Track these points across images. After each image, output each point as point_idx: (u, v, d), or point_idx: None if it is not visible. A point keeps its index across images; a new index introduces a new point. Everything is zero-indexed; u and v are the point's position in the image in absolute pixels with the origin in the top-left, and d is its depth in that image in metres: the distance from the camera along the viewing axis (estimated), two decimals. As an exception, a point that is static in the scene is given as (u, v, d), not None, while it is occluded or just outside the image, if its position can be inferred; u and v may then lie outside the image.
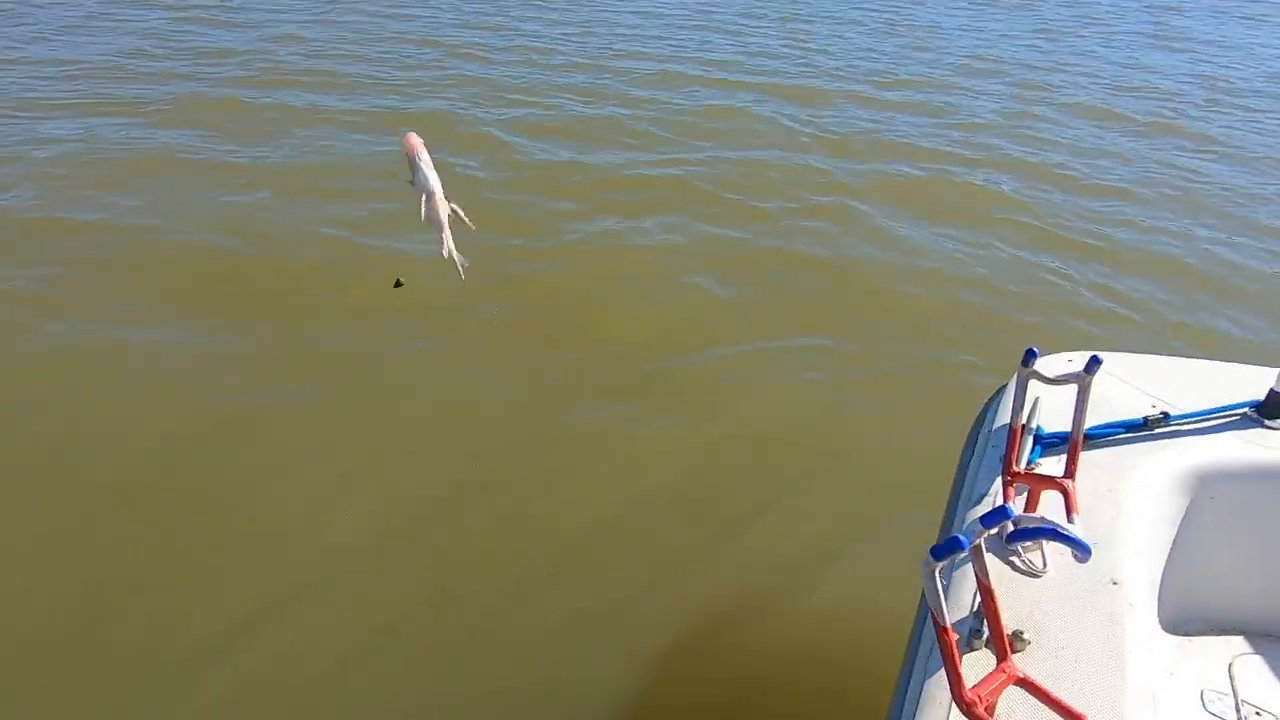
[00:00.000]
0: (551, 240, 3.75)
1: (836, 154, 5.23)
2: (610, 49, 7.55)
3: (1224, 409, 1.21)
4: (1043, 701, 0.67)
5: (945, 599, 0.65)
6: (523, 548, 2.10)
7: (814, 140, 5.44)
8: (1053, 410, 1.22)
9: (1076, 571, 0.91)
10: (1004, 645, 0.69)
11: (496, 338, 2.98)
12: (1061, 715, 0.65)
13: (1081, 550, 0.80)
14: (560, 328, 3.10)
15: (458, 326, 3.00)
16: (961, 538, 0.61)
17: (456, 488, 2.27)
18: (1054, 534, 0.84)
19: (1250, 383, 1.26)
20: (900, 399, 2.70)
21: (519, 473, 2.35)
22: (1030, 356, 0.95)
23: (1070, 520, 0.90)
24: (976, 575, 0.69)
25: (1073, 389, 1.01)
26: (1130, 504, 1.04)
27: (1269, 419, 1.19)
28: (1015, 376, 1.00)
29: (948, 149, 5.41)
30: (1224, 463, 1.14)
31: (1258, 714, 0.99)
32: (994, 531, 0.68)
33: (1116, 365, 1.37)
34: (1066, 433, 1.14)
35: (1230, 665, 1.07)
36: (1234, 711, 1.00)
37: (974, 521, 0.65)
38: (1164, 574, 1.12)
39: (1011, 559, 0.94)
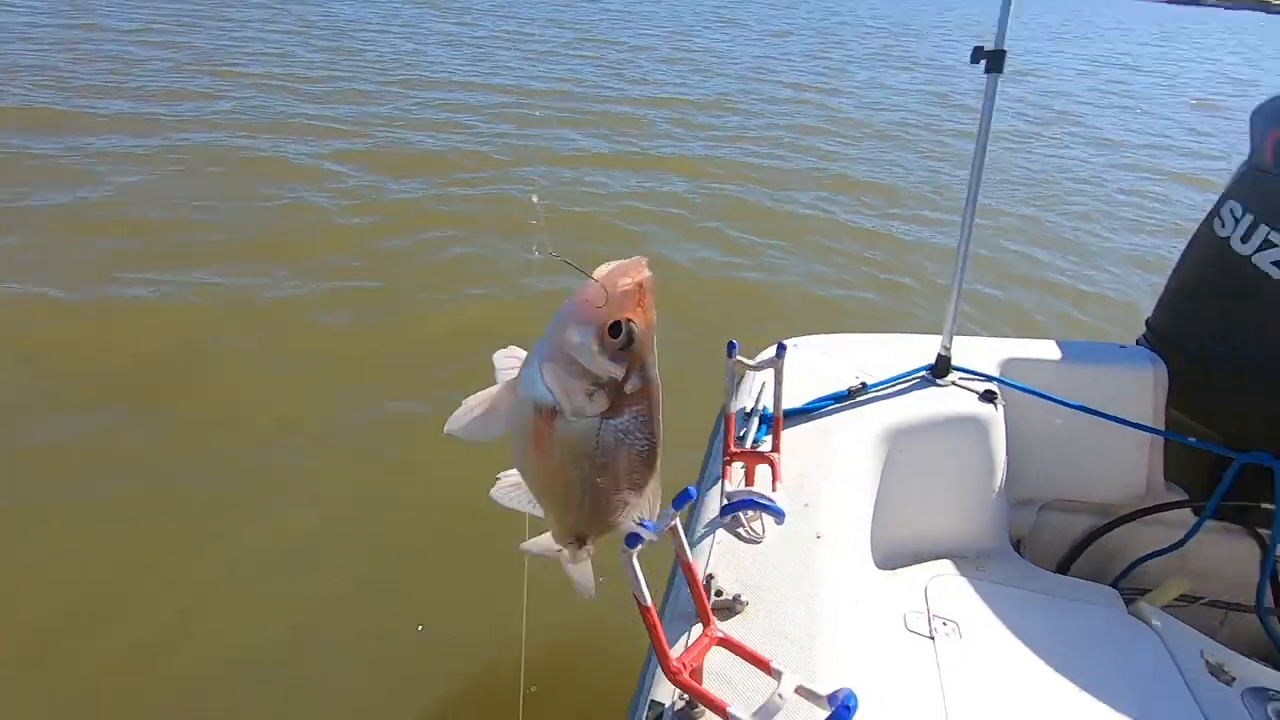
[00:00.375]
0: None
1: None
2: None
3: (908, 374, 1.44)
4: (740, 656, 0.76)
5: (643, 580, 0.71)
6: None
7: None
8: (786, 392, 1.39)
9: (787, 533, 1.04)
10: (705, 612, 0.78)
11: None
12: (754, 664, 0.74)
13: (776, 515, 0.92)
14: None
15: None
16: (649, 524, 0.67)
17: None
18: (753, 504, 0.95)
19: (929, 349, 1.52)
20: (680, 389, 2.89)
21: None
22: (731, 348, 1.07)
23: (774, 489, 1.02)
24: (676, 553, 0.76)
25: (808, 371, 1.16)
26: (834, 465, 1.21)
27: (939, 378, 1.45)
28: (727, 367, 1.12)
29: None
30: (907, 419, 1.36)
31: (944, 624, 1.20)
32: (683, 512, 0.75)
33: (830, 345, 1.59)
34: (786, 410, 1.30)
35: (925, 588, 1.28)
36: (927, 625, 1.19)
37: (668, 507, 0.71)
38: (872, 521, 1.32)
39: (738, 530, 1.05)
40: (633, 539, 0.68)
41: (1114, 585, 1.48)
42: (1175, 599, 1.47)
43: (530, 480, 0.67)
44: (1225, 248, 1.57)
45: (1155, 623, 1.24)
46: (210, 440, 2.53)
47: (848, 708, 0.65)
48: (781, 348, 1.08)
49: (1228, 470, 1.45)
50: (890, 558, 1.35)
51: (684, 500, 0.73)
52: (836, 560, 1.04)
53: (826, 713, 0.66)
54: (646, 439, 0.61)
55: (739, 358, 1.07)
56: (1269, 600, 1.40)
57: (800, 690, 0.69)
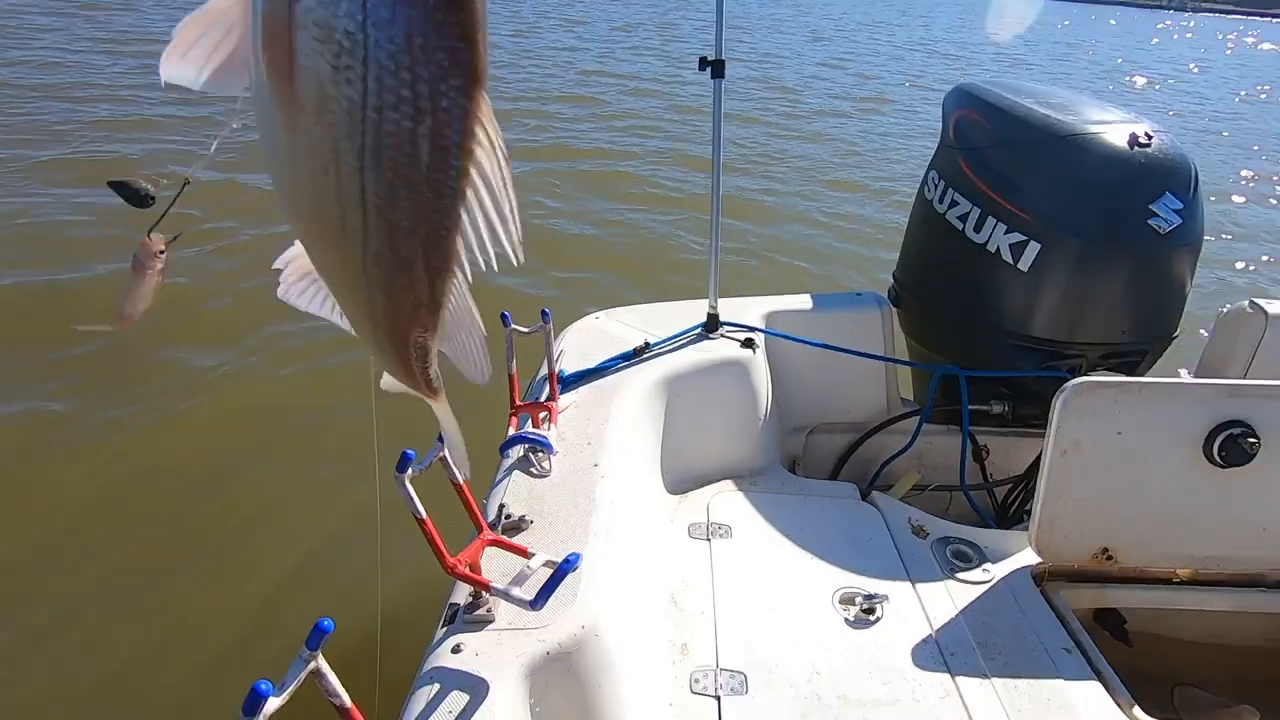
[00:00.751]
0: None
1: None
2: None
3: (684, 332, 1.71)
4: (508, 550, 0.97)
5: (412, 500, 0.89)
6: None
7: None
8: (579, 355, 1.61)
9: (571, 466, 1.27)
10: (477, 520, 0.97)
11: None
12: (518, 554, 0.95)
13: (545, 447, 1.13)
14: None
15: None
16: (410, 453, 0.86)
17: None
18: (523, 439, 1.16)
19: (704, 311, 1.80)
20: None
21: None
22: (505, 319, 1.27)
23: (548, 429, 1.24)
24: (449, 479, 0.95)
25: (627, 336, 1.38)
26: (618, 411, 1.44)
27: (710, 333, 1.73)
28: (505, 335, 1.31)
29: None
30: (684, 368, 1.63)
31: (719, 528, 1.48)
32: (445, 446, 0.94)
33: (626, 315, 1.84)
34: (581, 371, 1.54)
35: (708, 504, 1.55)
36: (705, 531, 1.46)
37: (436, 444, 0.90)
38: (662, 454, 1.58)
39: (529, 470, 1.26)
40: (402, 464, 0.86)
41: (870, 486, 1.84)
42: (911, 489, 1.86)
43: (288, 210, 0.41)
44: (931, 208, 1.97)
45: (880, 505, 1.58)
46: None
47: (569, 562, 0.87)
48: (545, 314, 1.30)
49: (932, 382, 1.85)
50: (681, 483, 1.62)
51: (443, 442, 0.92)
52: (615, 484, 1.28)
53: (550, 572, 0.88)
54: (458, 96, 0.35)
55: (514, 326, 1.28)
56: (968, 479, 1.80)
57: (547, 563, 0.91)
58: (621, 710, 1.02)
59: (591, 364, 1.57)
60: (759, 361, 1.72)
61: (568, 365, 1.56)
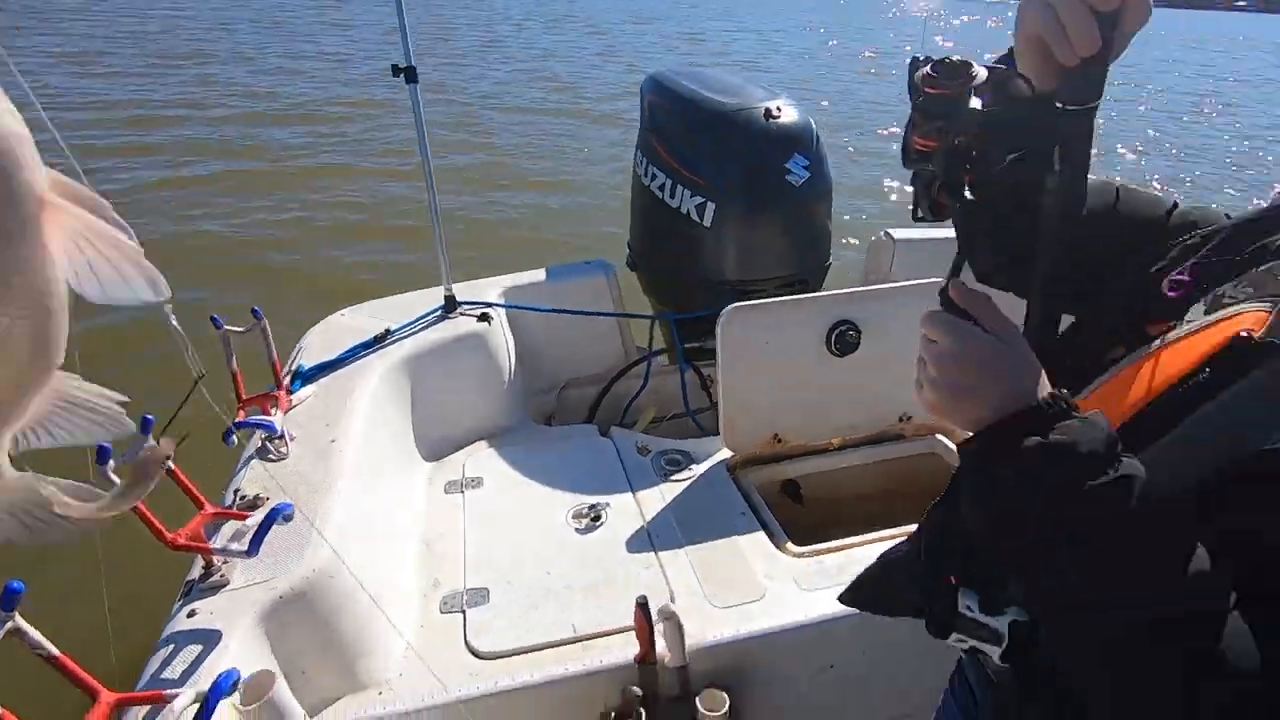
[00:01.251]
0: None
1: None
2: None
3: (424, 315, 1.87)
4: (229, 518, 1.09)
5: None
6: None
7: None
8: (322, 350, 1.71)
9: (310, 446, 1.39)
10: (196, 499, 1.08)
11: None
12: (237, 520, 1.08)
13: (264, 428, 1.26)
14: None
15: None
16: (106, 447, 0.95)
17: None
18: (244, 425, 1.28)
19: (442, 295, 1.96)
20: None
21: None
22: (216, 323, 1.36)
23: (274, 414, 1.36)
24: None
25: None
26: (359, 393, 1.58)
27: (449, 313, 1.91)
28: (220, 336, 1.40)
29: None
30: (424, 347, 1.79)
31: (471, 482, 1.67)
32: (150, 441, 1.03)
33: (369, 308, 1.96)
34: (321, 363, 1.64)
35: (463, 463, 1.74)
36: (460, 487, 1.65)
37: (139, 435, 0.99)
38: (415, 426, 1.74)
39: (268, 456, 1.36)
40: (101, 457, 0.95)
41: (619, 425, 2.12)
42: (651, 421, 2.18)
43: None
44: (640, 183, 2.28)
45: (615, 437, 1.86)
46: None
47: (277, 510, 1.02)
48: (257, 312, 1.41)
49: (658, 329, 2.18)
50: (438, 449, 1.79)
51: (149, 425, 1.01)
52: (356, 456, 1.42)
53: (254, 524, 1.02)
54: None
55: (228, 327, 1.37)
56: (698, 404, 2.15)
57: (264, 520, 1.04)
58: (369, 638, 1.19)
59: (331, 356, 1.68)
60: (497, 332, 1.92)
61: (310, 361, 1.66)
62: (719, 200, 2.04)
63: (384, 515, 1.42)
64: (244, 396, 1.38)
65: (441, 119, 8.69)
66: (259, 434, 1.37)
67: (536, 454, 1.79)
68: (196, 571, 1.09)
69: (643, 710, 1.19)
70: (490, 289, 2.05)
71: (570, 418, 2.20)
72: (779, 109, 2.06)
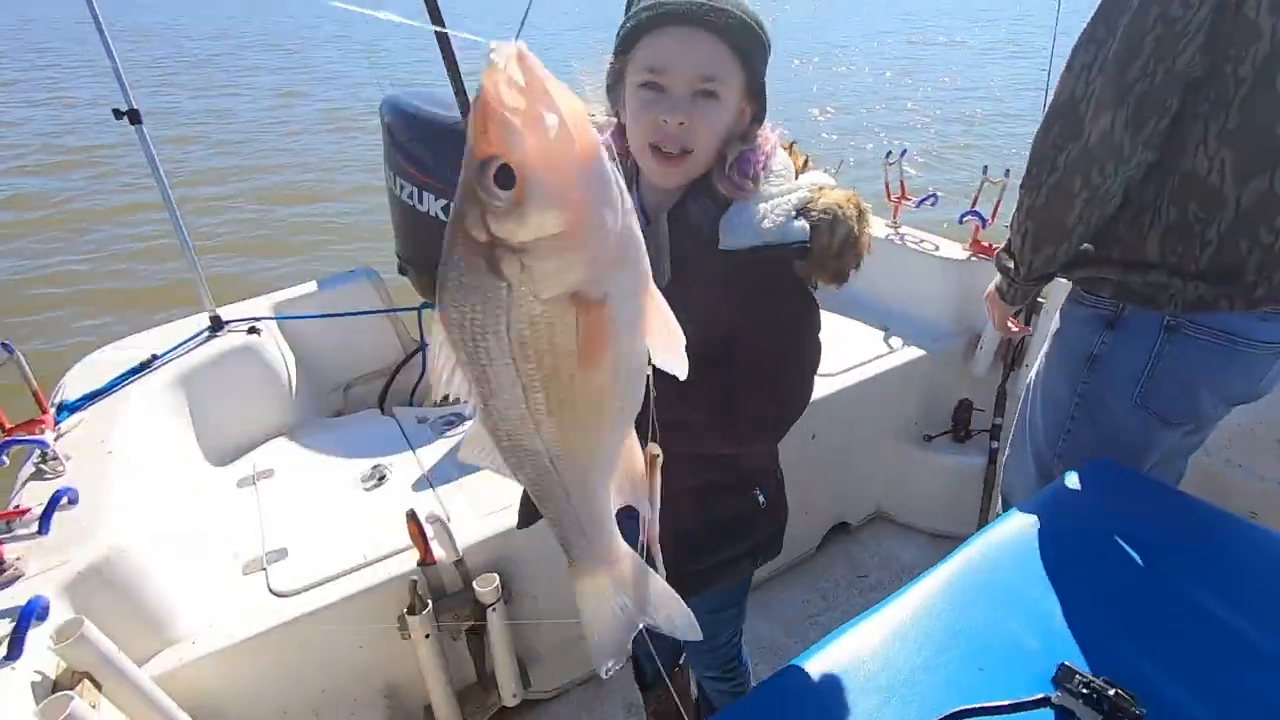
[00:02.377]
0: None
1: None
2: None
3: (190, 338, 2.01)
4: (10, 516, 1.23)
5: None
6: None
7: None
8: (90, 382, 1.80)
9: (86, 460, 1.51)
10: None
11: None
12: (19, 516, 1.23)
13: (36, 444, 1.39)
14: None
15: None
16: None
17: None
18: (15, 442, 1.40)
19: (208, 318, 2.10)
20: None
21: None
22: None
23: (42, 433, 1.48)
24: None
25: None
26: (130, 413, 1.70)
27: (216, 331, 2.06)
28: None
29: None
30: (194, 366, 1.93)
31: (263, 474, 1.85)
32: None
33: (135, 340, 2.04)
34: (89, 393, 1.74)
35: (254, 462, 1.91)
36: (252, 480, 1.83)
37: None
38: (200, 437, 1.88)
39: (45, 475, 1.47)
40: None
41: (409, 404, 2.37)
42: (439, 403, 2.45)
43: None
44: (394, 195, 2.54)
45: (396, 414, 2.12)
46: None
47: (61, 492, 1.19)
48: (8, 346, 1.51)
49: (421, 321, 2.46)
50: (228, 454, 1.94)
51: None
52: (139, 462, 1.56)
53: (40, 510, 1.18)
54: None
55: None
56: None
57: (48, 503, 1.20)
58: (175, 601, 1.38)
59: (98, 387, 1.78)
60: (269, 343, 2.10)
61: (74, 395, 1.75)
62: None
63: (174, 509, 1.58)
64: (7, 425, 1.47)
65: (184, 151, 8.50)
66: (33, 458, 1.47)
67: (325, 441, 2.00)
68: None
69: (429, 601, 1.49)
70: (259, 306, 2.21)
71: (363, 404, 2.42)
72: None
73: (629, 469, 0.56)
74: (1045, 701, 0.81)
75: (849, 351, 2.25)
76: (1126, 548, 1.12)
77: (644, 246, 0.48)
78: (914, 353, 2.26)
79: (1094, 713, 0.79)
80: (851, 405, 2.13)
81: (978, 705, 0.82)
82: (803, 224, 0.89)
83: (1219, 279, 1.19)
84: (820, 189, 0.93)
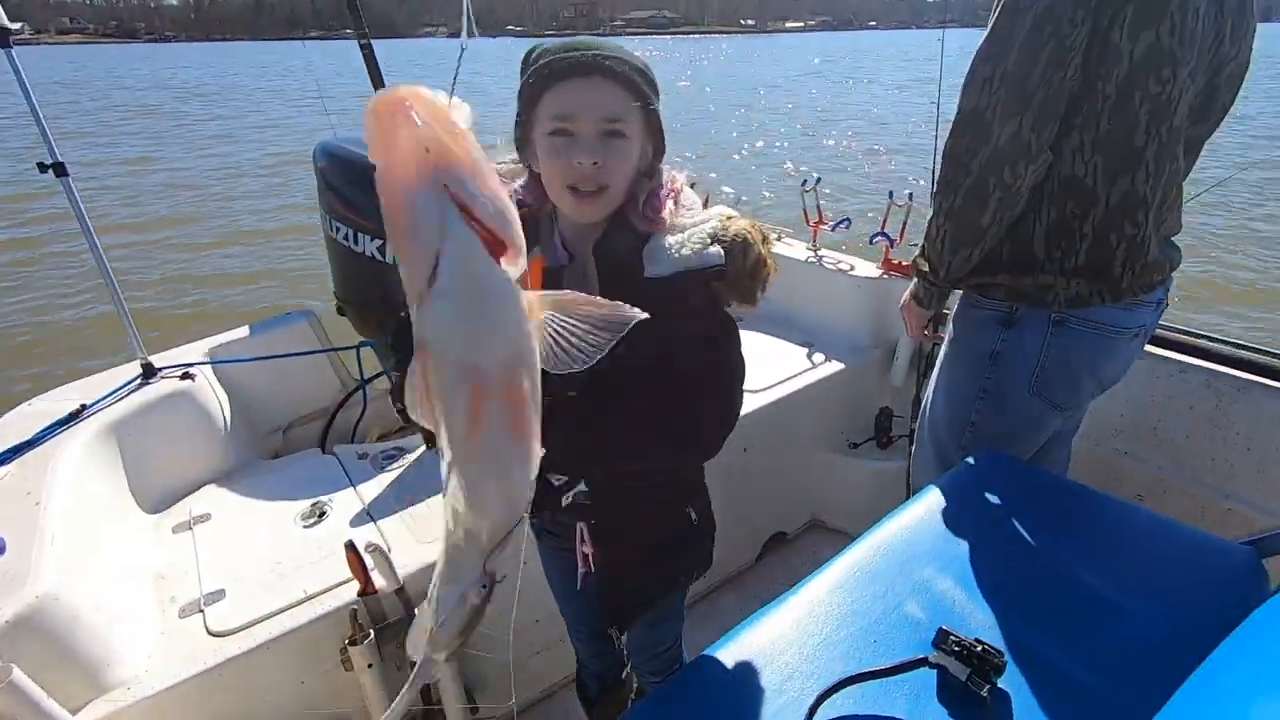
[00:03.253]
0: None
1: None
2: None
3: (120, 387, 2.00)
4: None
5: None
6: None
7: None
8: (16, 436, 1.77)
9: (12, 512, 1.50)
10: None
11: None
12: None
13: None
14: None
15: None
16: None
17: None
18: None
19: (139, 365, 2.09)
20: None
21: None
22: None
23: None
24: None
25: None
26: (57, 465, 1.68)
27: (149, 378, 2.05)
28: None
29: None
30: (127, 414, 1.92)
31: (200, 518, 1.84)
32: None
33: (64, 391, 2.02)
34: (14, 446, 1.72)
35: (190, 506, 1.90)
36: (188, 525, 1.82)
37: None
38: (132, 486, 1.87)
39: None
40: None
41: (349, 442, 2.39)
42: (379, 438, 2.48)
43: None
44: (329, 237, 2.58)
45: (337, 452, 2.14)
46: None
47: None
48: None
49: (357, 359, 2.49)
50: (162, 501, 1.93)
51: None
52: (67, 511, 1.55)
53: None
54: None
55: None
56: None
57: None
58: (108, 649, 1.37)
59: (25, 439, 1.76)
60: (204, 388, 2.10)
61: (1, 447, 1.72)
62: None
63: (108, 556, 1.58)
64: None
65: (112, 200, 8.51)
66: (-47, 515, 1.46)
67: (263, 483, 2.01)
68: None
69: (370, 631, 1.51)
70: (193, 351, 2.21)
71: (303, 444, 2.42)
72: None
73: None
74: (923, 661, 0.91)
75: (775, 367, 2.37)
76: (1013, 527, 1.24)
77: (478, 318, 0.49)
78: (835, 366, 2.40)
79: (963, 667, 0.89)
80: (781, 418, 2.25)
81: (864, 670, 0.91)
82: (717, 249, 0.98)
83: (1094, 275, 1.36)
84: (729, 218, 1.03)
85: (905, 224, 2.56)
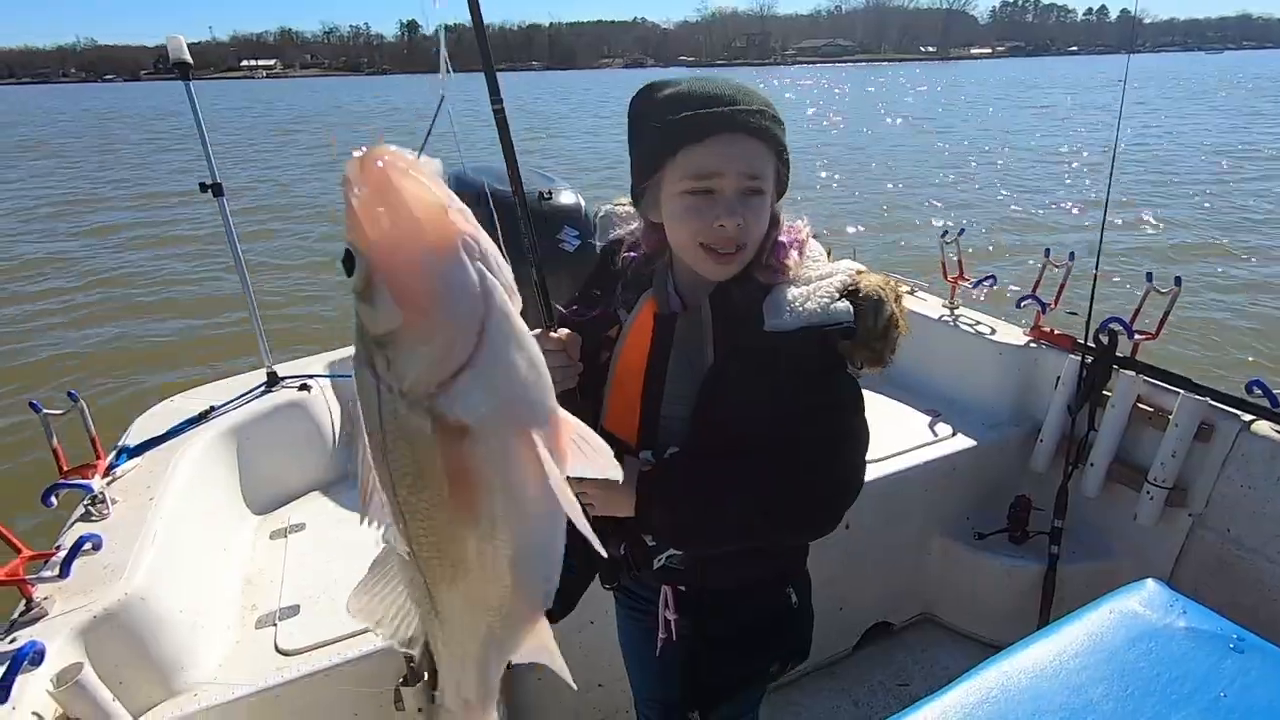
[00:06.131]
0: None
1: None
2: None
3: (246, 393, 2.13)
4: (43, 557, 1.31)
5: None
6: None
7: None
8: (150, 431, 1.93)
9: (130, 506, 1.61)
10: (13, 544, 1.30)
11: None
12: (50, 557, 1.30)
13: (81, 489, 1.49)
14: None
15: None
16: None
17: None
18: (61, 486, 1.50)
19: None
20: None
21: None
22: (35, 407, 1.59)
23: (92, 478, 1.59)
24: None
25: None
26: (180, 462, 1.80)
27: (271, 387, 2.18)
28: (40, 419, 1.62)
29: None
30: (249, 418, 2.04)
31: (295, 527, 1.91)
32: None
33: (197, 392, 2.19)
34: (145, 440, 1.87)
35: (289, 514, 1.98)
36: (284, 533, 1.89)
37: None
38: (244, 487, 1.97)
39: (90, 518, 1.57)
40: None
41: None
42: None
43: None
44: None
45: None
46: None
47: (83, 539, 1.26)
48: (73, 395, 1.65)
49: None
50: (268, 504, 2.02)
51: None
52: (177, 510, 1.65)
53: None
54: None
55: (45, 411, 1.59)
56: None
57: (71, 548, 1.28)
58: (185, 652, 1.42)
59: (158, 434, 1.91)
60: (319, 400, 2.20)
61: (135, 440, 1.88)
62: (513, 262, 2.46)
63: (205, 558, 1.65)
64: (65, 468, 1.60)
65: (252, 220, 9.80)
66: (83, 501, 1.58)
67: (356, 499, 2.05)
68: (18, 611, 1.30)
69: (424, 674, 1.46)
70: (314, 364, 2.33)
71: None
72: (550, 192, 2.53)
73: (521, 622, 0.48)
74: None
75: (894, 435, 2.13)
76: (1173, 675, 0.97)
77: (531, 372, 0.43)
78: (965, 441, 2.12)
79: None
80: (895, 494, 2.01)
81: None
82: (846, 305, 0.89)
83: None
84: (860, 272, 0.93)
85: (1063, 287, 2.23)
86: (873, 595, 2.15)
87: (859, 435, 0.93)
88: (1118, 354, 1.99)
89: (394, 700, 1.46)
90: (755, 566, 1.04)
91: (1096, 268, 1.97)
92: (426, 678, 1.46)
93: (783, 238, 0.95)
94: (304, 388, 2.19)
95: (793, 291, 0.90)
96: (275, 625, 1.56)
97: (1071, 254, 2.20)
